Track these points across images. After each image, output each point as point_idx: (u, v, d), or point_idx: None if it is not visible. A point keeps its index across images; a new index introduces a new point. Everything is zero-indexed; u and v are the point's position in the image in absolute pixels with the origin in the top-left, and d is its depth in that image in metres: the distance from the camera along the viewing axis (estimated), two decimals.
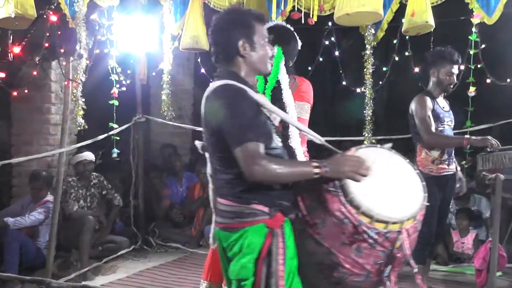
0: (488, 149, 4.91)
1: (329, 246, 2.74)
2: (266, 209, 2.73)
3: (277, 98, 3.88)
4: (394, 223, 2.70)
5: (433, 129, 4.89)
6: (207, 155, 3.01)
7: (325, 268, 2.80)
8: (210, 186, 3.11)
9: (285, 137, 3.23)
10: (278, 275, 2.68)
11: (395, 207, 2.76)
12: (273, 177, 2.65)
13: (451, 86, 5.15)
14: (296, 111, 3.86)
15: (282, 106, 3.84)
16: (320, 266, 2.80)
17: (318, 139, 3.00)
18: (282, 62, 3.93)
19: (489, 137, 4.97)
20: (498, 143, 4.92)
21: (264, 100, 2.85)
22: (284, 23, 4.25)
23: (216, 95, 2.79)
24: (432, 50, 5.23)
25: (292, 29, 4.18)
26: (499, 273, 5.68)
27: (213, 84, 2.83)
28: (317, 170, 2.64)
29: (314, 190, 2.77)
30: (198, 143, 3.09)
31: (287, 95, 3.84)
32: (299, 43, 4.16)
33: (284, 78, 3.90)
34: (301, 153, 3.69)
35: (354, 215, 2.66)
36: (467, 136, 4.96)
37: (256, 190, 2.71)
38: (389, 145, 3.02)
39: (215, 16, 2.97)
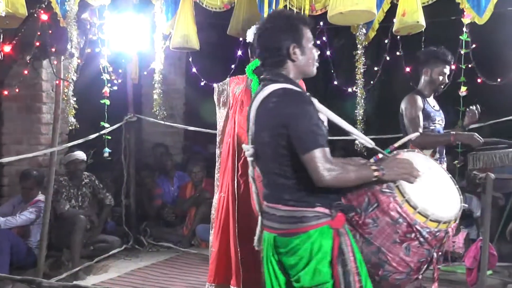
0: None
1: (379, 245, 2.89)
2: (327, 211, 2.77)
3: None
4: (444, 222, 2.90)
5: (421, 129, 4.87)
6: (250, 158, 2.95)
7: (371, 266, 2.92)
8: (254, 190, 3.00)
9: None
10: (353, 272, 2.75)
11: (444, 208, 2.96)
12: (342, 182, 2.72)
13: (443, 86, 5.16)
14: None
15: None
16: (366, 265, 2.87)
17: (369, 142, 2.98)
18: None
19: (475, 134, 4.98)
20: (482, 139, 4.94)
21: (316, 102, 2.85)
22: None
23: (280, 99, 2.78)
24: (425, 49, 5.23)
25: None
26: (489, 272, 5.71)
27: (269, 88, 2.82)
28: (376, 173, 2.74)
29: (362, 190, 2.91)
30: (246, 147, 2.94)
31: None
32: None
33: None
34: None
35: (410, 215, 2.83)
36: (453, 132, 4.97)
37: (318, 193, 2.76)
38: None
39: (262, 21, 3.00)
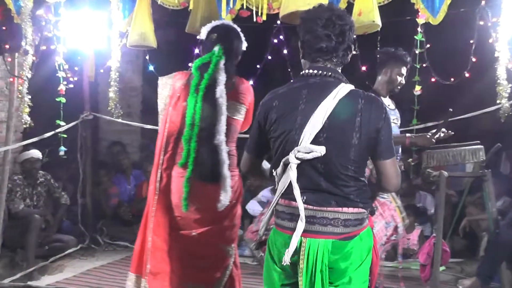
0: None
1: None
2: (368, 212, 2.83)
3: (210, 96, 3.91)
4: None
5: None
6: (295, 162, 2.70)
7: None
8: (297, 194, 2.69)
9: None
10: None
11: None
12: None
13: (399, 87, 5.24)
14: (226, 111, 3.90)
15: (213, 104, 3.88)
16: None
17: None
18: (222, 61, 3.96)
19: (428, 134, 5.06)
20: (435, 139, 5.04)
21: None
22: (230, 22, 4.27)
23: (369, 102, 2.74)
24: (385, 49, 5.27)
25: (237, 28, 4.19)
26: (442, 268, 5.82)
27: (345, 87, 2.74)
28: None
29: None
30: (317, 148, 2.69)
31: (220, 93, 3.87)
32: (244, 43, 4.17)
33: (220, 76, 3.93)
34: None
35: (398, 219, 3.11)
36: (408, 134, 5.06)
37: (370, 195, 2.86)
38: None
39: (342, 12, 2.84)
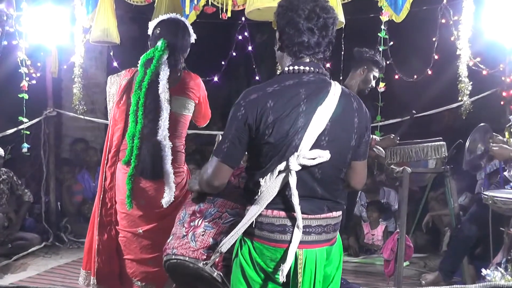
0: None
1: None
2: None
3: (152, 91, 3.91)
4: None
5: None
6: (297, 169, 2.48)
7: None
8: (296, 201, 2.49)
9: None
10: None
11: None
12: None
13: (369, 89, 5.31)
14: (171, 106, 3.89)
15: (156, 100, 3.88)
16: None
17: None
18: (165, 56, 3.95)
19: (391, 135, 5.16)
20: (398, 138, 5.14)
21: None
22: (177, 17, 4.21)
23: (358, 102, 2.64)
24: (365, 50, 5.28)
25: (185, 22, 4.16)
26: (406, 263, 5.90)
27: (337, 86, 2.57)
28: None
29: None
30: (323, 153, 2.51)
31: (162, 89, 3.87)
32: (192, 36, 4.15)
33: (163, 72, 3.92)
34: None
35: None
36: (375, 136, 5.13)
37: None
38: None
39: (326, 5, 2.60)
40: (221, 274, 2.90)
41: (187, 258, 2.95)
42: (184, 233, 3.02)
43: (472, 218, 5.55)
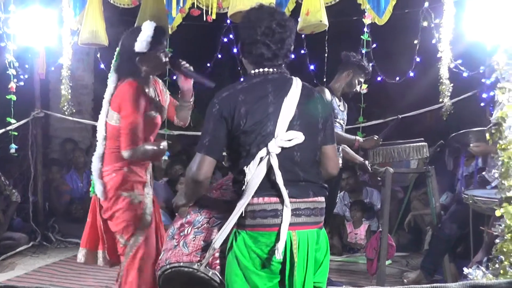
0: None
1: None
2: None
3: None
4: None
5: None
6: (277, 151, 2.75)
7: None
8: (280, 181, 2.74)
9: None
10: None
11: None
12: None
13: (352, 93, 5.41)
14: (106, 115, 4.00)
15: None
16: None
17: None
18: (115, 63, 4.01)
19: (375, 137, 5.26)
20: (381, 139, 5.25)
21: None
22: (144, 24, 4.14)
23: (318, 93, 2.99)
24: (352, 54, 5.40)
25: (139, 28, 3.99)
26: (388, 262, 5.96)
27: (297, 80, 2.89)
28: None
29: None
30: (297, 134, 2.80)
31: (105, 96, 4.01)
32: (139, 42, 3.91)
33: (109, 79, 4.03)
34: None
35: None
36: (358, 138, 5.22)
37: None
38: None
39: (285, 16, 2.93)
40: (216, 272, 2.98)
41: (181, 264, 3.03)
42: (175, 244, 3.11)
43: (452, 217, 5.64)
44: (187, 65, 4.00)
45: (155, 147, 3.96)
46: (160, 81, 4.30)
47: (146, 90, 3.99)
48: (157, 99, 4.12)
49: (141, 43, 3.89)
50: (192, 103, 4.21)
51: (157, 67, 4.02)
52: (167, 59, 4.00)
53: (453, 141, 5.86)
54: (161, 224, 4.25)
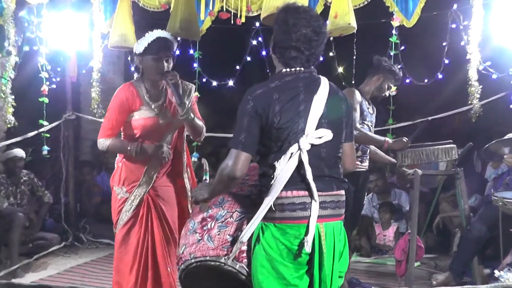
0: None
1: None
2: None
3: None
4: None
5: (357, 123, 4.97)
6: (307, 148, 2.83)
7: None
8: (310, 176, 2.82)
9: None
10: None
11: None
12: None
13: (382, 97, 5.41)
14: None
15: None
16: None
17: None
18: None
19: (404, 138, 5.24)
20: (410, 141, 5.24)
21: None
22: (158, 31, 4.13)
23: (341, 92, 3.08)
24: (384, 58, 5.38)
25: (151, 34, 4.07)
26: (417, 263, 5.95)
27: (325, 79, 2.98)
28: None
29: None
30: (325, 132, 2.89)
31: None
32: (139, 45, 4.07)
33: None
34: None
35: None
36: (387, 139, 5.20)
37: None
38: None
39: (320, 21, 2.98)
40: (243, 265, 3.01)
41: (207, 258, 3.05)
42: (199, 238, 3.11)
43: (481, 219, 5.61)
44: (171, 76, 3.99)
45: (130, 147, 4.10)
46: (191, 85, 4.30)
47: (142, 92, 4.20)
48: (158, 103, 4.19)
49: (137, 46, 4.07)
50: (188, 117, 4.07)
51: (149, 71, 4.12)
52: (161, 67, 4.01)
53: (486, 153, 5.81)
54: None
